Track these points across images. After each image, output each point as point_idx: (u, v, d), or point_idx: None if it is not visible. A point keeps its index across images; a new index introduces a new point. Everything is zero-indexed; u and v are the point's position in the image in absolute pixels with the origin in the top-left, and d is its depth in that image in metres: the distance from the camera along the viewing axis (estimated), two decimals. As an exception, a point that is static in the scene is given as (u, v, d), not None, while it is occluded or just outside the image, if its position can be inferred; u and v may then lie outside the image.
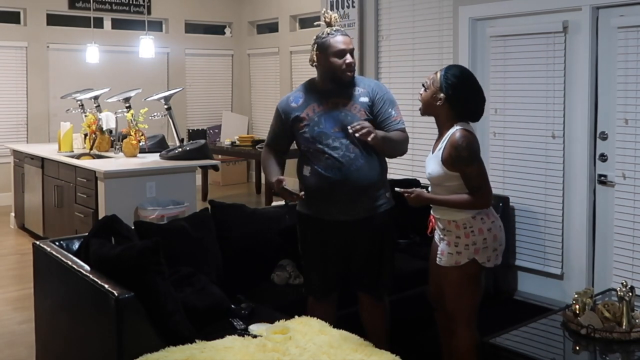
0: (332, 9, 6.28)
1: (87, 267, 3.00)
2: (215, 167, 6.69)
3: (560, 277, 4.66)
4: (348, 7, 6.12)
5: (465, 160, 2.89)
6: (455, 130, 2.94)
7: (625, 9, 4.22)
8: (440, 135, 3.06)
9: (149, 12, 9.47)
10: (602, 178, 4.39)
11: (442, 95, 2.96)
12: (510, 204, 4.87)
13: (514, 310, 4.62)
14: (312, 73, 3.53)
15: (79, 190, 5.66)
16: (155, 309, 2.80)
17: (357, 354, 2.62)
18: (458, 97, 2.95)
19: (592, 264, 4.46)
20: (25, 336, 4.11)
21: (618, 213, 4.28)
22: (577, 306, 3.15)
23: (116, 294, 2.68)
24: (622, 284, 3.10)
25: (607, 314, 3.06)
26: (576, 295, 3.18)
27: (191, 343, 2.69)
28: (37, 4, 8.89)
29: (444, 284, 3.06)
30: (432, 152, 3.09)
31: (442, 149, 2.97)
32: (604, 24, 4.34)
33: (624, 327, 2.99)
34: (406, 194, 2.97)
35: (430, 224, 3.13)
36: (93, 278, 2.85)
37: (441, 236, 3.05)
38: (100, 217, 4.97)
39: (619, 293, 3.06)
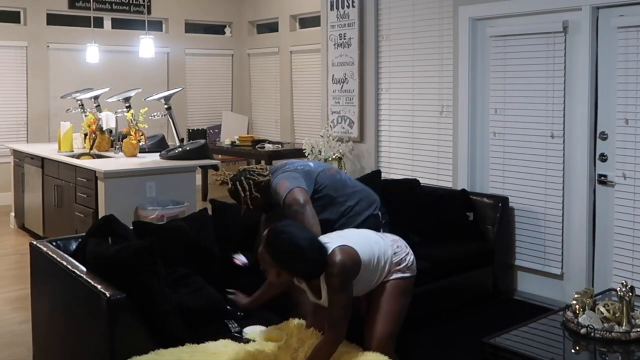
0: (332, 9, 6.28)
1: (82, 268, 2.99)
2: (215, 167, 6.68)
3: (560, 277, 4.66)
4: (348, 7, 6.12)
5: (333, 287, 2.67)
6: (332, 250, 2.71)
7: (625, 9, 4.22)
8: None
9: (149, 12, 9.46)
10: (602, 178, 4.39)
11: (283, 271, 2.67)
12: (510, 204, 4.87)
13: (514, 310, 4.62)
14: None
15: (79, 190, 5.65)
16: (149, 309, 2.80)
17: (343, 357, 2.63)
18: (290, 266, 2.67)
19: (592, 264, 4.46)
20: (25, 336, 4.11)
21: (618, 213, 4.28)
22: (577, 306, 3.15)
23: (108, 295, 2.67)
24: (622, 284, 3.10)
25: (607, 314, 3.06)
26: (576, 295, 3.18)
27: (184, 344, 2.69)
28: (37, 3, 8.89)
29: (385, 304, 2.90)
30: None
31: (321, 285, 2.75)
32: (604, 24, 4.34)
33: (623, 327, 2.99)
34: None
35: (361, 302, 3.05)
36: (87, 278, 2.85)
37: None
38: (100, 217, 4.97)
39: (619, 293, 3.06)
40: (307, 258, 2.63)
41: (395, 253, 2.96)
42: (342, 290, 2.67)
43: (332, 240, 2.79)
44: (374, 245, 2.91)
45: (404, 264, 2.98)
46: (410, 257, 3.04)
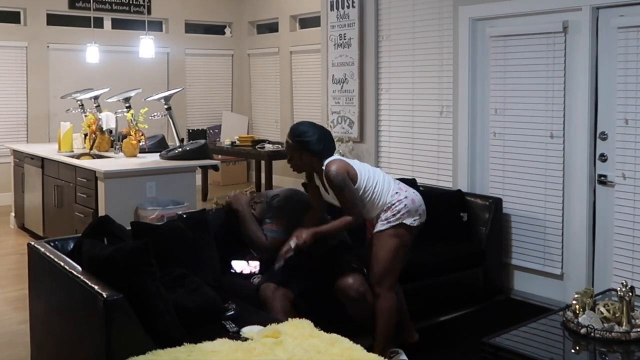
0: (332, 9, 6.28)
1: (79, 268, 2.98)
2: (215, 167, 6.69)
3: (560, 277, 4.66)
4: (348, 7, 6.12)
5: (335, 189, 3.45)
6: (325, 165, 3.47)
7: (625, 9, 4.22)
8: (320, 176, 3.58)
9: (149, 12, 9.47)
10: (602, 178, 4.39)
11: (303, 154, 3.51)
12: (510, 204, 4.87)
13: (514, 310, 4.62)
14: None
15: (79, 190, 5.65)
16: (145, 310, 2.79)
17: (342, 358, 2.63)
18: (310, 148, 3.49)
19: (592, 264, 4.46)
20: (25, 336, 4.10)
21: (618, 213, 4.28)
22: (577, 306, 3.15)
23: (105, 296, 2.65)
24: (622, 284, 3.10)
25: (607, 314, 3.06)
26: (576, 295, 3.18)
27: (181, 345, 2.68)
28: (37, 4, 8.89)
29: (379, 250, 3.53)
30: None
31: (326, 185, 3.53)
32: (604, 24, 4.34)
33: (624, 327, 2.99)
34: (299, 244, 3.48)
35: (368, 226, 3.69)
36: (83, 279, 2.83)
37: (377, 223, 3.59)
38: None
39: (619, 293, 3.06)
40: (313, 138, 3.49)
41: (391, 196, 3.53)
42: (343, 190, 3.43)
43: (336, 156, 3.54)
44: (374, 175, 3.57)
45: (391, 213, 3.51)
46: (401, 205, 3.51)
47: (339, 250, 3.73)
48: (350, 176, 3.48)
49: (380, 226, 3.54)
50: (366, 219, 3.64)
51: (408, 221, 3.53)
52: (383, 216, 3.54)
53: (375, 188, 3.53)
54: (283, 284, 3.57)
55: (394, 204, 3.52)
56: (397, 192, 3.56)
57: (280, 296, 3.50)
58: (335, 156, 3.55)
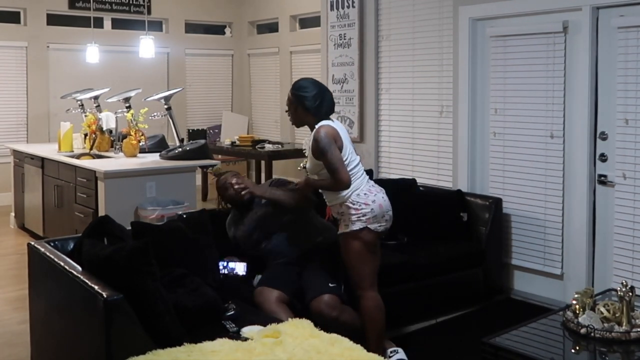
0: (332, 9, 6.28)
1: (79, 268, 2.98)
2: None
3: (560, 277, 4.66)
4: (348, 7, 6.12)
5: (318, 151, 3.43)
6: (317, 126, 3.48)
7: (625, 9, 4.22)
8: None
9: (149, 12, 9.46)
10: (602, 178, 4.39)
11: (298, 107, 3.52)
12: (510, 204, 4.87)
13: (514, 310, 4.62)
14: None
15: (79, 190, 5.66)
16: (145, 310, 2.79)
17: (341, 358, 2.63)
18: (305, 103, 3.50)
19: (592, 264, 4.46)
20: (25, 336, 4.10)
21: (618, 213, 4.28)
22: (577, 306, 3.15)
23: (105, 296, 2.66)
24: (622, 284, 3.11)
25: (607, 314, 3.06)
26: (576, 295, 3.19)
27: (181, 345, 2.68)
28: (37, 4, 8.89)
29: (347, 254, 3.50)
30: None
31: (309, 144, 3.55)
32: (604, 24, 4.34)
33: (624, 327, 2.99)
34: (297, 185, 3.69)
35: (327, 212, 3.72)
36: (83, 279, 2.84)
37: (337, 217, 3.57)
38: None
39: (619, 293, 3.06)
40: (310, 94, 3.50)
41: (358, 195, 3.46)
42: (325, 153, 3.40)
43: (329, 121, 3.53)
44: (355, 164, 3.52)
45: (355, 214, 3.43)
46: (367, 209, 3.43)
47: (322, 257, 3.69)
48: (337, 145, 3.44)
49: (343, 228, 3.49)
50: (327, 205, 3.62)
51: (372, 226, 3.46)
52: (347, 214, 3.46)
53: (351, 176, 3.48)
54: (276, 287, 3.56)
55: (360, 205, 3.44)
56: (365, 194, 3.47)
57: (275, 299, 3.50)
58: (331, 122, 3.52)
